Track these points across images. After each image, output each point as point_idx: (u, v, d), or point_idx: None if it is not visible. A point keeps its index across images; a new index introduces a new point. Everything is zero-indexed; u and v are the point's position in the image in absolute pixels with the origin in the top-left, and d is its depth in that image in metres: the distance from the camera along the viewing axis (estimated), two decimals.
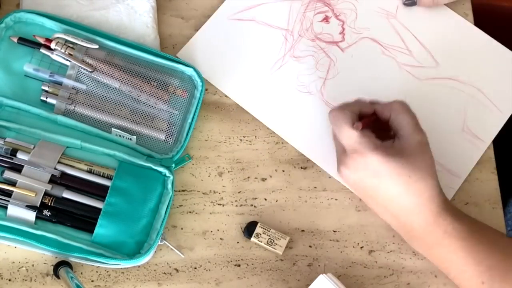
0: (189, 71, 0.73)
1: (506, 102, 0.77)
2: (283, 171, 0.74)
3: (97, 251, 0.66)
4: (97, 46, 0.71)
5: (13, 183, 0.66)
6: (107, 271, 0.68)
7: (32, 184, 0.66)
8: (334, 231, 0.72)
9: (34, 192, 0.66)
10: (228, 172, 0.73)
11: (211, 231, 0.71)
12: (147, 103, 0.71)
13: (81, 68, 0.70)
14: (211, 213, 0.71)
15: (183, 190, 0.72)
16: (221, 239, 0.71)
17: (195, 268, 0.69)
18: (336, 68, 0.78)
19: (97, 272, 0.68)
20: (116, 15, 0.75)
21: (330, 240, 0.72)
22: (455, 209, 0.67)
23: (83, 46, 0.71)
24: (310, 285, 0.65)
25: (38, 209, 0.66)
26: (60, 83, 0.71)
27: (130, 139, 0.70)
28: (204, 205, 0.72)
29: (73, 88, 0.71)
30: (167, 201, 0.69)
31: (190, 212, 0.71)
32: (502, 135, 0.77)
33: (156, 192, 0.68)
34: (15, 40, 0.71)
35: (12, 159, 0.67)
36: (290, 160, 0.74)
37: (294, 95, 0.76)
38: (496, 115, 0.77)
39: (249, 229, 0.70)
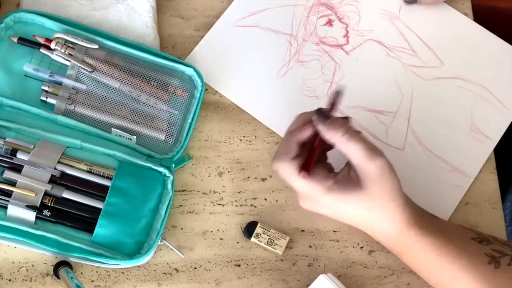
0: (189, 71, 0.73)
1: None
2: None
3: (97, 251, 0.66)
4: (97, 46, 0.71)
5: (13, 183, 0.66)
6: (107, 271, 0.68)
7: (32, 184, 0.66)
8: (334, 231, 0.72)
9: (34, 192, 0.66)
10: (228, 172, 0.73)
11: (211, 231, 0.71)
12: (147, 103, 0.71)
13: (81, 68, 0.70)
14: (211, 213, 0.71)
15: (183, 190, 0.72)
16: (221, 239, 0.71)
17: (195, 268, 0.69)
18: (342, 72, 0.77)
19: (97, 272, 0.68)
20: (116, 15, 0.75)
21: (330, 240, 0.72)
22: (421, 220, 0.65)
23: (83, 46, 0.71)
24: (310, 285, 0.65)
25: (38, 209, 0.66)
26: (60, 83, 0.71)
27: (130, 139, 0.70)
28: (204, 205, 0.72)
29: (73, 88, 0.71)
30: (167, 201, 0.69)
31: (190, 212, 0.71)
32: (502, 136, 0.77)
33: (156, 192, 0.68)
34: (15, 40, 0.71)
35: (12, 159, 0.67)
36: None
37: (301, 100, 0.76)
38: (503, 113, 0.77)
39: (249, 229, 0.70)
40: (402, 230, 0.64)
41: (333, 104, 0.64)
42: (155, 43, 0.75)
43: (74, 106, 0.70)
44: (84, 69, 0.70)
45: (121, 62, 0.72)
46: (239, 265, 0.70)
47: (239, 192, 0.72)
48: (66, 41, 0.71)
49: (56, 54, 0.71)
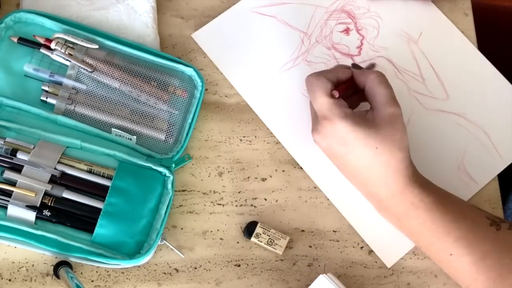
0: (189, 71, 0.73)
1: (509, 149, 0.76)
2: (283, 171, 0.74)
3: (97, 251, 0.66)
4: (97, 46, 0.71)
5: (13, 183, 0.66)
6: (107, 271, 0.68)
7: (32, 184, 0.66)
8: (334, 231, 0.72)
9: (34, 192, 0.66)
10: (228, 172, 0.73)
11: (211, 231, 0.71)
12: (147, 103, 0.71)
13: (81, 68, 0.70)
14: (211, 213, 0.71)
15: (183, 190, 0.72)
16: (221, 239, 0.71)
17: (195, 268, 0.69)
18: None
19: (97, 272, 0.68)
20: (116, 15, 0.75)
21: (330, 240, 0.72)
22: (424, 181, 0.67)
23: (83, 46, 0.71)
24: (310, 285, 0.65)
25: (38, 209, 0.66)
26: (60, 83, 0.71)
27: (130, 139, 0.70)
28: (204, 205, 0.72)
29: (73, 88, 0.71)
30: (167, 201, 0.69)
31: (190, 212, 0.71)
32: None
33: (156, 192, 0.68)
34: (15, 40, 0.71)
35: (12, 159, 0.67)
36: (290, 160, 0.74)
37: (297, 98, 0.76)
38: (496, 160, 0.75)
39: (249, 229, 0.70)
40: (405, 184, 0.65)
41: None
42: (155, 43, 0.75)
43: (74, 106, 0.70)
44: (84, 69, 0.70)
45: (121, 62, 0.72)
46: (239, 265, 0.70)
47: (239, 192, 0.72)
48: (66, 41, 0.71)
49: (56, 54, 0.71)
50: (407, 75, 0.78)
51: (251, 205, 0.72)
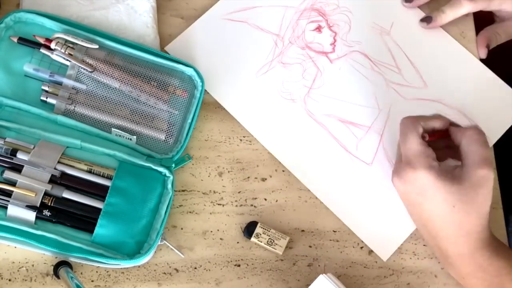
0: (189, 71, 0.73)
1: (492, 129, 0.76)
2: (283, 171, 0.74)
3: (97, 251, 0.66)
4: (97, 46, 0.71)
5: (13, 183, 0.66)
6: (107, 271, 0.68)
7: (32, 184, 0.66)
8: (334, 231, 0.72)
9: (34, 192, 0.66)
10: (228, 172, 0.73)
11: (211, 231, 0.71)
12: (147, 103, 0.71)
13: (81, 68, 0.70)
14: (211, 213, 0.71)
15: (183, 190, 0.72)
16: (221, 239, 0.71)
17: (195, 268, 0.69)
18: (323, 79, 0.77)
19: (97, 272, 0.68)
20: (116, 15, 0.75)
21: (330, 240, 0.72)
22: (497, 245, 0.65)
23: (83, 46, 0.71)
24: (310, 285, 0.65)
25: (38, 209, 0.66)
26: (60, 83, 0.71)
27: (130, 139, 0.70)
28: (204, 205, 0.72)
29: (73, 88, 0.71)
30: (167, 201, 0.69)
31: (190, 212, 0.71)
32: (502, 136, 0.77)
33: (156, 192, 0.68)
34: (15, 40, 0.71)
35: (12, 159, 0.67)
36: None
37: (277, 101, 0.76)
38: None
39: (249, 229, 0.70)
40: (476, 248, 0.63)
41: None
42: (155, 43, 0.75)
43: (74, 106, 0.70)
44: (84, 69, 0.70)
45: (121, 62, 0.72)
46: (239, 265, 0.70)
47: (239, 192, 0.72)
48: (66, 41, 0.71)
49: (56, 54, 0.71)
50: (383, 67, 0.78)
51: (251, 205, 0.72)
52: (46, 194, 0.66)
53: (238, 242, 0.71)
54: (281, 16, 0.79)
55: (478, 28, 0.81)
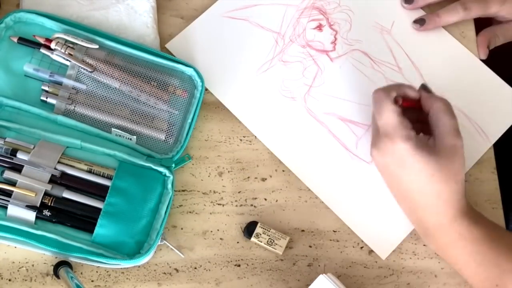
0: (189, 71, 0.73)
1: (492, 129, 0.76)
2: (283, 171, 0.74)
3: (97, 251, 0.66)
4: (97, 46, 0.71)
5: (13, 183, 0.66)
6: (107, 271, 0.68)
7: (32, 184, 0.66)
8: (334, 231, 0.72)
9: (34, 192, 0.66)
10: (228, 172, 0.73)
11: (211, 231, 0.71)
12: (147, 103, 0.71)
13: (81, 68, 0.70)
14: (211, 213, 0.71)
15: (183, 190, 0.72)
16: (221, 239, 0.71)
17: (195, 268, 0.69)
18: (323, 77, 0.77)
19: (97, 272, 0.68)
20: (116, 15, 0.75)
21: (330, 240, 0.72)
22: (475, 214, 0.66)
23: (83, 46, 0.71)
24: (310, 285, 0.65)
25: (38, 209, 0.66)
26: (60, 83, 0.71)
27: (130, 139, 0.70)
28: (204, 205, 0.72)
29: (73, 88, 0.71)
30: (167, 201, 0.69)
31: (190, 212, 0.71)
32: (502, 135, 0.77)
33: (156, 192, 0.68)
34: (15, 40, 0.71)
35: (12, 159, 0.67)
36: None
37: (277, 99, 0.76)
38: (479, 141, 0.76)
39: (249, 229, 0.70)
40: (455, 216, 0.64)
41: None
42: (155, 43, 0.75)
43: (74, 106, 0.70)
44: (84, 69, 0.70)
45: (121, 62, 0.72)
46: (239, 265, 0.70)
47: (239, 192, 0.72)
48: (66, 41, 0.71)
49: (56, 54, 0.71)
50: (383, 65, 0.78)
51: (251, 205, 0.72)
52: (46, 194, 0.66)
53: (238, 242, 0.71)
54: (282, 14, 0.79)
55: (478, 28, 0.81)
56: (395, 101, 0.66)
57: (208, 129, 0.75)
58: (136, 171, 0.69)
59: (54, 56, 0.71)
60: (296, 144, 0.74)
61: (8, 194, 0.66)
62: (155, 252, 0.69)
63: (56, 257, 0.68)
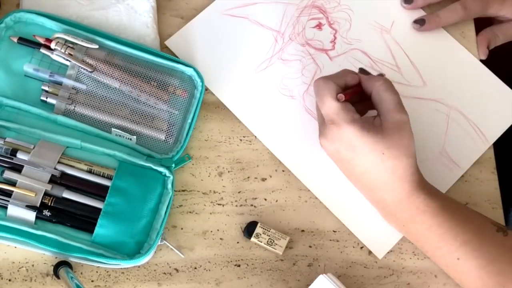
0: (189, 71, 0.73)
1: (491, 130, 0.76)
2: (283, 171, 0.74)
3: (97, 251, 0.66)
4: (97, 46, 0.71)
5: (13, 183, 0.66)
6: (107, 271, 0.68)
7: (32, 184, 0.66)
8: (334, 231, 0.72)
9: (34, 192, 0.66)
10: (228, 172, 0.73)
11: (211, 231, 0.71)
12: (147, 103, 0.71)
13: (81, 68, 0.70)
14: (211, 213, 0.71)
15: (183, 190, 0.72)
16: (221, 239, 0.71)
17: (195, 268, 0.69)
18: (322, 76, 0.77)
19: (97, 272, 0.68)
20: (116, 15, 0.75)
21: (330, 240, 0.72)
22: (430, 187, 0.67)
23: (83, 46, 0.71)
24: (310, 285, 0.65)
25: (38, 209, 0.66)
26: (60, 83, 0.71)
27: (130, 139, 0.70)
28: (204, 205, 0.72)
29: (73, 88, 0.71)
30: (167, 201, 0.69)
31: (190, 212, 0.71)
32: (502, 135, 0.77)
33: (156, 192, 0.68)
34: (15, 40, 0.71)
35: (12, 159, 0.67)
36: None
37: (276, 97, 0.76)
38: (477, 142, 0.76)
39: (249, 229, 0.70)
40: (411, 191, 0.65)
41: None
42: (155, 43, 0.75)
43: (74, 106, 0.70)
44: (84, 69, 0.70)
45: (121, 62, 0.72)
46: (239, 265, 0.70)
47: (239, 192, 0.72)
48: (66, 41, 0.71)
49: (56, 54, 0.71)
50: (382, 65, 0.78)
51: (251, 205, 0.72)
52: (46, 194, 0.66)
53: (238, 242, 0.71)
54: (282, 12, 0.79)
55: (478, 28, 0.81)
56: (338, 99, 0.66)
57: (208, 129, 0.75)
58: (136, 171, 0.69)
59: (54, 56, 0.71)
60: (293, 142, 0.74)
61: (8, 194, 0.66)
62: (155, 252, 0.69)
63: (56, 257, 0.68)
